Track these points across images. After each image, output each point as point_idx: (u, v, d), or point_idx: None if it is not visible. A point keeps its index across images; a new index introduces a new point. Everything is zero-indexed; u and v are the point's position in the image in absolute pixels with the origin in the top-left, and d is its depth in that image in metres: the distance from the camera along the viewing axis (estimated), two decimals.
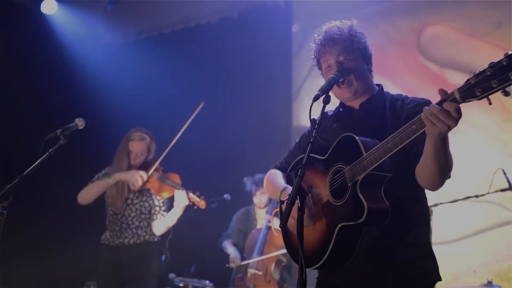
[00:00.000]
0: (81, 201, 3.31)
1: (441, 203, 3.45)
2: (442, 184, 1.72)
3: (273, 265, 3.82)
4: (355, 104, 1.96)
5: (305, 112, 5.12)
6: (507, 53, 1.34)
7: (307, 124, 5.05)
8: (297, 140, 2.16)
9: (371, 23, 4.90)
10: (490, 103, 1.40)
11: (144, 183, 3.28)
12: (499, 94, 1.39)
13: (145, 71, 5.60)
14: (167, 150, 3.37)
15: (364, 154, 1.69)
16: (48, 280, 4.44)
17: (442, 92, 1.48)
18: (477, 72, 1.40)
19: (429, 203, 3.41)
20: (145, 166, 3.39)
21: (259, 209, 4.24)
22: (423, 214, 1.89)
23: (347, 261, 1.73)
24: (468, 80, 1.42)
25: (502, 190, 3.21)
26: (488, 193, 3.24)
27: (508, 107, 4.13)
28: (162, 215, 3.38)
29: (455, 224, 4.26)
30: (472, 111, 4.31)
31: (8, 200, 2.16)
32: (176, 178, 3.38)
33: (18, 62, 5.11)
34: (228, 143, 5.18)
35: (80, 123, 2.52)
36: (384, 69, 4.64)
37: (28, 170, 2.32)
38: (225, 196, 4.34)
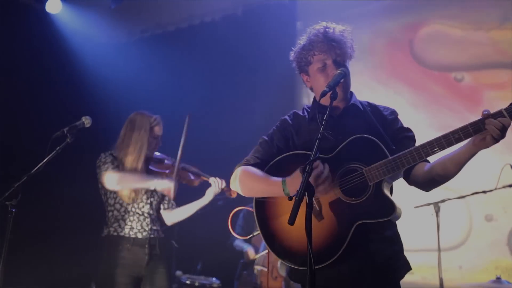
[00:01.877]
0: (115, 185, 2.93)
1: (449, 199, 3.44)
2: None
3: (279, 262, 3.82)
4: (337, 105, 1.97)
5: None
6: None
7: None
8: (266, 137, 2.10)
9: (375, 20, 4.90)
10: None
11: (174, 173, 3.08)
12: None
13: (150, 69, 5.61)
14: (179, 151, 3.22)
15: (391, 157, 1.77)
16: (55, 279, 4.47)
17: (488, 111, 1.66)
18: None
19: (436, 199, 3.46)
20: (156, 158, 3.22)
21: None
22: None
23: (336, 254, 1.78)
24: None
25: (510, 186, 3.19)
26: (496, 188, 3.22)
27: None
28: (173, 204, 3.21)
29: (462, 221, 4.25)
30: (479, 107, 4.30)
31: (16, 198, 2.16)
32: (196, 168, 3.29)
33: (23, 61, 5.13)
34: (232, 141, 5.17)
35: (86, 121, 2.53)
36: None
37: (35, 169, 2.33)
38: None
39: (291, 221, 1.57)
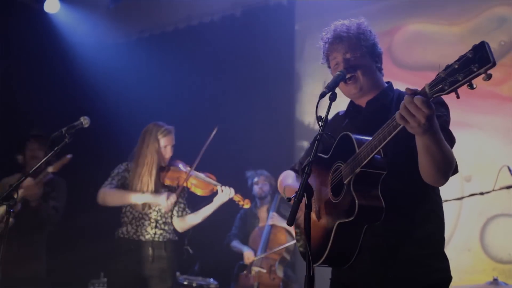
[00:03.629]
0: (104, 202, 3.15)
1: (446, 200, 3.44)
2: (446, 179, 1.68)
3: (277, 263, 3.82)
4: (362, 102, 1.94)
5: (308, 109, 5.13)
6: (474, 45, 1.30)
7: (310, 120, 5.09)
8: (307, 148, 2.21)
9: (377, 20, 4.91)
10: (458, 97, 1.37)
11: (183, 182, 3.22)
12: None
13: (148, 69, 5.60)
14: (198, 158, 3.29)
15: (356, 151, 1.68)
16: (52, 278, 4.45)
17: (410, 89, 1.47)
18: (446, 66, 1.38)
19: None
20: (170, 166, 3.33)
21: (259, 210, 4.25)
22: (432, 212, 1.83)
23: (350, 258, 1.73)
24: (438, 74, 1.39)
25: (508, 187, 3.20)
26: (493, 190, 3.23)
27: None
28: (187, 212, 3.32)
29: (459, 222, 4.26)
30: (477, 107, 4.32)
31: (14, 198, 2.16)
32: (213, 177, 3.34)
33: (21, 61, 5.13)
34: (232, 141, 5.18)
35: (85, 121, 2.52)
36: None
37: (34, 169, 2.32)
38: None
39: (290, 222, 1.59)
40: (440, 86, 1.38)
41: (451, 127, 1.77)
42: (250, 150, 5.05)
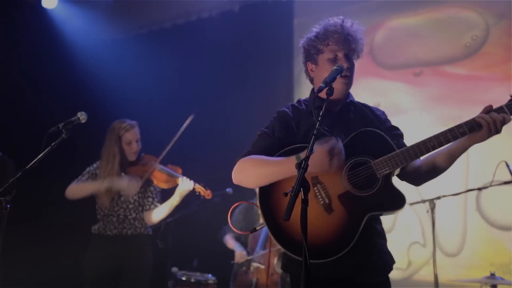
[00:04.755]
0: (69, 196, 3.28)
1: (444, 196, 3.45)
2: None
3: (276, 259, 3.82)
4: (334, 102, 1.98)
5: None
6: None
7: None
8: (266, 129, 2.05)
9: (374, 15, 4.91)
10: None
11: (147, 175, 3.28)
12: None
13: (147, 65, 5.59)
14: (165, 151, 3.35)
15: (397, 150, 1.82)
16: (50, 276, 4.46)
17: (489, 106, 1.78)
18: None
19: (431, 196, 3.48)
20: (137, 160, 3.39)
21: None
22: None
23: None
24: (510, 101, 1.75)
25: (505, 183, 3.20)
26: (491, 185, 3.23)
27: None
28: (156, 205, 3.39)
29: (457, 217, 4.26)
30: (474, 103, 4.31)
31: (11, 194, 2.16)
32: (178, 170, 3.39)
33: (19, 57, 5.12)
34: (229, 137, 5.17)
35: (82, 117, 2.52)
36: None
37: (30, 164, 2.32)
38: (227, 190, 4.34)
39: (287, 216, 1.55)
40: None
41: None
42: (248, 145, 5.03)
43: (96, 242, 3.32)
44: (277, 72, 5.34)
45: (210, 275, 4.14)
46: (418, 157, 1.82)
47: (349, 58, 1.96)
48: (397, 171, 1.87)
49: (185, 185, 3.29)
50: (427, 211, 3.48)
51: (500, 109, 1.76)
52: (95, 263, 3.26)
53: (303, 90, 5.22)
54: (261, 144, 2.01)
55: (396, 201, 1.80)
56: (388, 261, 1.96)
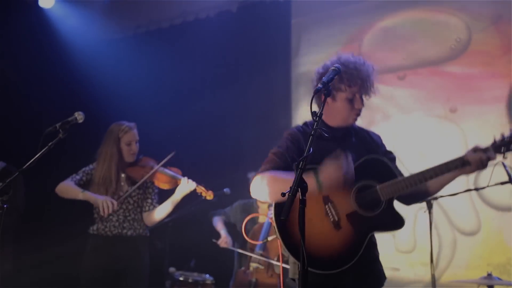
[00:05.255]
0: (57, 192, 3.29)
1: (441, 196, 3.45)
2: None
3: (275, 260, 3.81)
4: (338, 129, 2.19)
5: (304, 105, 5.12)
6: None
7: (306, 117, 5.07)
8: (280, 148, 2.17)
9: (366, 16, 4.92)
10: (505, 157, 2.06)
11: (149, 176, 3.29)
12: None
13: (144, 65, 5.58)
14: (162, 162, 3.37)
15: (400, 178, 2.07)
16: (49, 275, 4.44)
17: (476, 146, 2.06)
18: (502, 137, 2.05)
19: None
20: (136, 162, 3.40)
21: (261, 203, 4.22)
22: None
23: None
24: (495, 141, 2.05)
25: (502, 183, 3.19)
26: (488, 186, 3.23)
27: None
28: (155, 206, 3.39)
29: (454, 218, 4.28)
30: (472, 104, 4.33)
31: (8, 194, 2.15)
32: (179, 172, 3.41)
33: (16, 56, 5.10)
34: (227, 137, 5.17)
35: (79, 116, 2.51)
36: None
37: (27, 164, 2.31)
38: (225, 190, 4.33)
39: (284, 216, 1.60)
40: (499, 148, 2.04)
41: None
42: (246, 148, 5.04)
43: (95, 243, 3.30)
44: (275, 72, 5.34)
45: (207, 275, 4.14)
46: (418, 185, 2.06)
47: (362, 98, 2.17)
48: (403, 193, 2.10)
49: (187, 186, 3.29)
50: (424, 212, 3.48)
51: (487, 149, 2.04)
52: (94, 264, 3.24)
53: (301, 90, 5.23)
54: (276, 162, 2.13)
55: (397, 223, 2.06)
56: (383, 271, 2.19)
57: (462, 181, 4.13)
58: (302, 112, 5.13)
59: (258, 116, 5.13)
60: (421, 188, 2.15)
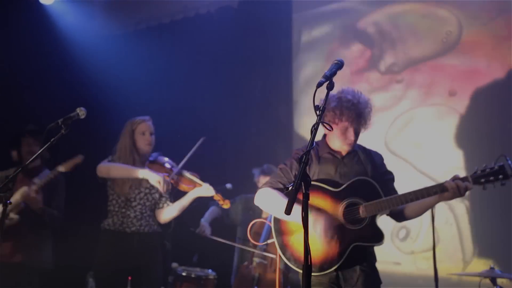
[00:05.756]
0: (106, 174, 3.23)
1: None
2: None
3: (278, 255, 3.81)
4: (341, 151, 2.47)
5: (306, 100, 5.11)
6: (502, 164, 2.20)
7: (307, 112, 5.07)
8: (286, 165, 2.47)
9: (367, 11, 4.91)
10: (484, 188, 2.23)
11: (168, 178, 3.27)
12: None
13: (145, 61, 5.58)
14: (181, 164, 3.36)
15: (384, 198, 2.30)
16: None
17: (456, 176, 2.26)
18: (483, 168, 2.23)
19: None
20: (156, 160, 3.38)
21: None
22: None
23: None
24: (476, 171, 2.24)
25: (503, 178, 3.19)
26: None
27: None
28: (168, 204, 3.37)
29: (457, 211, 4.28)
30: (476, 98, 4.33)
31: (11, 190, 2.16)
32: (197, 176, 3.42)
33: (17, 53, 5.09)
34: (229, 132, 5.17)
35: (81, 112, 2.50)
36: None
37: (30, 160, 2.31)
38: (226, 185, 4.33)
39: (288, 211, 1.64)
40: (478, 180, 2.22)
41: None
42: (247, 143, 5.04)
43: (110, 238, 3.23)
44: (276, 67, 5.34)
45: (210, 271, 4.14)
46: (399, 205, 2.30)
47: (356, 132, 2.41)
48: (385, 212, 2.37)
49: (207, 191, 3.31)
50: None
51: (465, 179, 2.23)
52: (109, 260, 3.18)
53: (301, 86, 5.22)
54: (282, 177, 2.47)
55: (377, 237, 2.30)
56: (378, 277, 2.43)
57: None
58: (303, 106, 5.13)
59: (258, 111, 5.13)
60: (407, 210, 2.40)
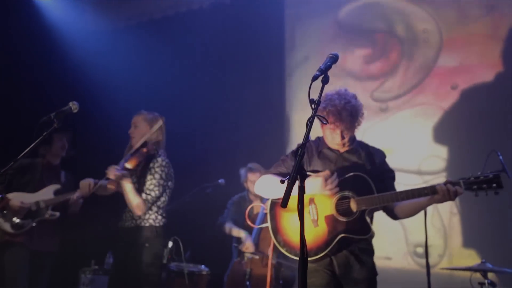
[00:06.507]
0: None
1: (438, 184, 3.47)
2: None
3: (270, 249, 3.82)
4: (339, 148, 2.54)
5: (299, 96, 5.12)
6: (495, 174, 2.23)
7: (301, 108, 5.09)
8: (287, 156, 2.58)
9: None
10: (476, 195, 2.25)
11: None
12: None
13: (136, 56, 5.55)
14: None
15: (376, 194, 2.35)
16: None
17: (448, 180, 2.28)
18: (477, 175, 2.25)
19: (426, 185, 3.50)
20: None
21: (254, 197, 4.21)
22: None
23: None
24: (469, 177, 2.26)
25: (496, 172, 3.21)
26: (482, 174, 3.24)
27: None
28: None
29: (449, 207, 4.32)
30: (472, 95, 4.36)
31: (3, 184, 2.14)
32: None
33: (11, 49, 5.06)
34: (222, 128, 5.16)
35: (73, 106, 2.50)
36: None
37: (22, 154, 2.30)
38: (219, 181, 4.33)
39: (284, 204, 1.64)
40: (470, 187, 2.25)
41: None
42: (240, 139, 5.03)
43: (121, 234, 3.30)
44: (269, 63, 5.33)
45: (203, 266, 4.14)
46: (390, 202, 2.36)
47: (342, 134, 2.46)
48: (376, 207, 2.42)
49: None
50: None
51: (456, 183, 2.26)
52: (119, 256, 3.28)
53: (295, 79, 5.23)
54: (281, 167, 2.57)
55: (364, 231, 2.38)
56: (374, 268, 2.47)
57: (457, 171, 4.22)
58: (296, 103, 5.14)
59: (252, 107, 5.13)
60: (400, 210, 2.45)
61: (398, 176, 2.60)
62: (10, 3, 5.19)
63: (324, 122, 2.11)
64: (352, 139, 2.55)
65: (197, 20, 5.48)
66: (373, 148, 2.60)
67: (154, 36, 5.60)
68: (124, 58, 5.51)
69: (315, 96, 1.83)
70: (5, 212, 3.39)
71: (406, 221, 4.31)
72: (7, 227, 3.43)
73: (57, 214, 3.57)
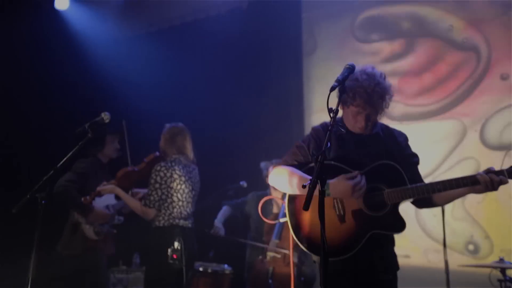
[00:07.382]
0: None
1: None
2: None
3: (291, 248, 3.90)
4: (361, 132, 2.30)
5: (316, 97, 5.20)
6: None
7: (318, 109, 5.15)
8: (303, 142, 2.34)
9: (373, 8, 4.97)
10: None
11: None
12: None
13: (156, 63, 5.67)
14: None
15: (409, 186, 2.14)
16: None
17: (490, 168, 2.10)
18: None
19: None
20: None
21: (274, 191, 4.29)
22: None
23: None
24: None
25: None
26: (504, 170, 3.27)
27: None
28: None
29: (467, 205, 4.35)
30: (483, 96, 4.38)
31: (45, 190, 2.29)
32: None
33: (34, 59, 5.21)
34: (241, 131, 5.25)
35: (105, 116, 2.63)
36: None
37: (61, 163, 2.44)
38: (241, 183, 4.43)
39: (306, 207, 1.70)
40: None
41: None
42: (261, 140, 5.12)
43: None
44: (286, 66, 5.40)
45: (226, 266, 4.25)
46: (425, 195, 2.15)
47: (369, 117, 2.23)
48: (409, 200, 2.20)
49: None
50: None
51: (500, 172, 2.08)
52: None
53: (312, 84, 5.31)
54: (297, 154, 2.34)
55: (398, 226, 2.15)
56: (395, 263, 2.28)
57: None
58: (314, 104, 5.21)
59: (271, 110, 5.21)
60: (430, 199, 2.28)
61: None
62: (35, 13, 5.36)
63: (342, 130, 2.07)
64: (375, 122, 2.33)
65: (215, 26, 5.58)
66: (395, 130, 2.40)
67: (174, 43, 5.72)
68: (145, 65, 5.64)
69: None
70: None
71: (430, 219, 4.41)
72: (91, 234, 3.59)
73: (122, 218, 3.76)
